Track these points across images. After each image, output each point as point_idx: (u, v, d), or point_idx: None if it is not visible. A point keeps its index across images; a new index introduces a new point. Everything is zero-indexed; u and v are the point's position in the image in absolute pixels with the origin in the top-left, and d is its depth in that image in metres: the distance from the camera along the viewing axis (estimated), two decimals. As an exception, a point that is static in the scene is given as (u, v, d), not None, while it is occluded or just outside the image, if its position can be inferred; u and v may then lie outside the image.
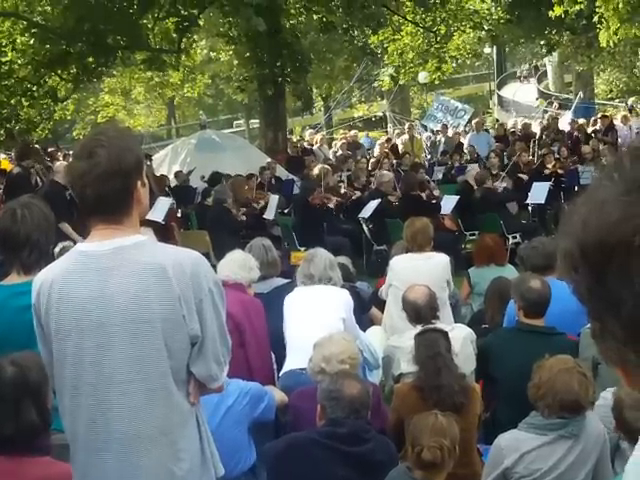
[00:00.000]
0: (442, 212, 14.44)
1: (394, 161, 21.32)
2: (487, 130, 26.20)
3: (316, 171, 17.07)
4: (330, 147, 27.22)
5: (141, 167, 3.47)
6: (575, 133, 22.96)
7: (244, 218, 15.05)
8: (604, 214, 1.01)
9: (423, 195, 15.02)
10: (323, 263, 7.11)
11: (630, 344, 1.02)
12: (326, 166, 17.77)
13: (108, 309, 3.29)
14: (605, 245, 1.00)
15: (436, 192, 15.81)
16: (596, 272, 1.03)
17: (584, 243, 1.03)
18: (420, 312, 6.53)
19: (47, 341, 3.43)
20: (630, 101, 32.51)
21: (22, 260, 4.37)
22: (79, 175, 3.33)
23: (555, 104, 36.38)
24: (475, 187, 15.19)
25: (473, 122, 26.64)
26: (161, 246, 3.56)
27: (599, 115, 25.44)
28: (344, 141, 26.31)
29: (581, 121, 26.08)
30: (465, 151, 22.34)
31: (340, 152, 24.16)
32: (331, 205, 15.26)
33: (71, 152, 23.75)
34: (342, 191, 16.67)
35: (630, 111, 27.14)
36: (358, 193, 16.53)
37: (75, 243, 3.97)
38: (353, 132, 29.81)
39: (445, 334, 5.83)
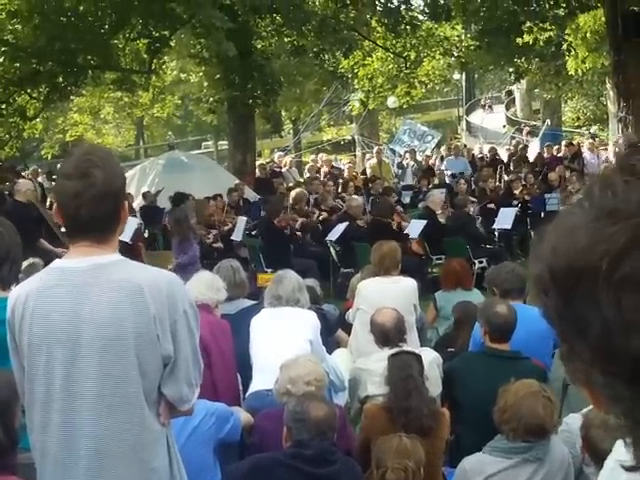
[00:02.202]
0: (410, 236, 14.47)
1: (366, 184, 21.41)
2: (463, 155, 26.37)
3: (293, 194, 17.09)
4: (303, 170, 27.26)
5: (125, 188, 3.52)
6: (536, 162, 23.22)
7: (210, 238, 15.06)
8: (573, 239, 1.04)
9: (393, 223, 15.05)
10: (292, 285, 7.13)
11: (596, 366, 1.05)
12: (304, 190, 17.83)
13: (82, 325, 3.28)
14: (573, 269, 1.03)
15: (405, 223, 15.74)
16: (565, 295, 1.05)
17: (554, 267, 1.06)
18: (388, 335, 6.55)
19: (20, 356, 3.41)
20: (592, 129, 32.85)
21: (2, 276, 4.31)
22: (72, 195, 3.29)
23: (526, 128, 36.67)
24: (437, 212, 15.27)
25: (450, 146, 26.82)
26: (138, 265, 3.57)
27: (564, 142, 25.66)
28: (320, 164, 26.35)
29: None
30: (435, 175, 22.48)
31: (321, 176, 24.14)
32: (297, 225, 15.29)
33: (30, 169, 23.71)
34: (315, 216, 16.68)
35: (593, 138, 27.38)
36: (325, 214, 16.57)
37: (55, 257, 3.90)
38: (321, 155, 29.84)
39: (418, 357, 5.85)
